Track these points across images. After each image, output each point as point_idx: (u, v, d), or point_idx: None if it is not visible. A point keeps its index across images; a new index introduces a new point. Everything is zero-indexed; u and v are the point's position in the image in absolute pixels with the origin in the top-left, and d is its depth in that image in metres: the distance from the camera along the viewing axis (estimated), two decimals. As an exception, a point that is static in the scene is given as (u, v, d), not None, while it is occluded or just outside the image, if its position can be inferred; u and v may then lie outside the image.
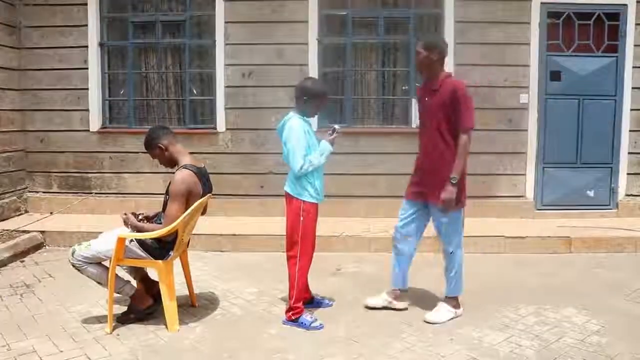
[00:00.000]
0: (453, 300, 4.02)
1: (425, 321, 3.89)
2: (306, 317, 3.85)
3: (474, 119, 3.75)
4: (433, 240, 5.78)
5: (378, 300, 4.14)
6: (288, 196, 3.85)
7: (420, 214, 4.08)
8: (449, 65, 6.57)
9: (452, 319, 3.94)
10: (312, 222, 3.86)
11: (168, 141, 3.81)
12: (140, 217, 3.95)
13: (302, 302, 3.92)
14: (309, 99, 3.79)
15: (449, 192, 3.70)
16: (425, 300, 4.33)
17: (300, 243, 3.80)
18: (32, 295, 4.49)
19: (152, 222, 3.92)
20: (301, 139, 3.69)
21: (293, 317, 3.84)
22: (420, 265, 5.39)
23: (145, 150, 3.91)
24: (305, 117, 3.85)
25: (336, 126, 3.92)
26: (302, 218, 3.78)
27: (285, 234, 3.88)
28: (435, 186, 3.80)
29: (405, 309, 4.12)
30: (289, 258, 3.87)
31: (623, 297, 4.46)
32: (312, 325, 3.80)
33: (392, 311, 4.13)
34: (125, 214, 3.83)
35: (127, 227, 3.79)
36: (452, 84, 3.74)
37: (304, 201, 3.79)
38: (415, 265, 5.39)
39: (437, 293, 4.55)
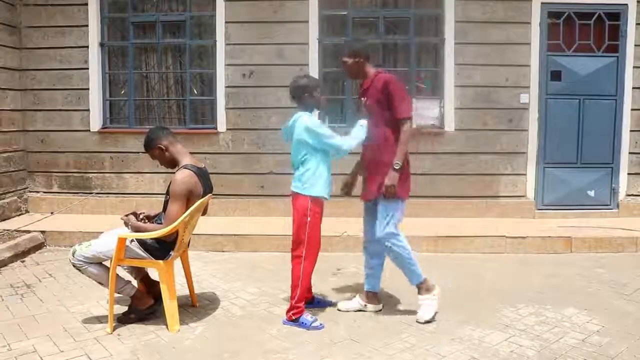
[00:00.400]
0: (423, 287, 3.95)
1: (417, 321, 3.87)
2: (307, 317, 3.85)
3: (410, 107, 3.88)
4: (429, 240, 5.83)
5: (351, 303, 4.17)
6: (295, 196, 3.84)
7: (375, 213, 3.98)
8: (449, 65, 6.64)
9: (434, 302, 3.92)
10: (319, 222, 3.86)
11: (168, 142, 3.81)
12: (141, 216, 3.95)
13: (304, 302, 3.92)
14: (309, 94, 3.84)
15: (392, 177, 3.73)
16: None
17: (306, 243, 3.80)
18: (33, 295, 4.49)
19: (152, 222, 3.93)
20: (322, 126, 3.82)
21: (294, 317, 3.84)
22: (420, 262, 5.39)
23: (145, 152, 3.91)
24: (311, 113, 3.90)
25: (361, 121, 3.96)
26: (309, 218, 3.78)
27: (291, 233, 3.88)
28: (375, 177, 3.85)
29: (379, 310, 4.13)
30: (293, 257, 3.86)
31: (624, 297, 4.46)
32: (313, 325, 3.80)
33: (392, 312, 4.13)
34: (127, 215, 3.83)
35: (128, 228, 3.79)
36: (382, 79, 3.84)
37: (312, 197, 3.78)
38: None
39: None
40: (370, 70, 3.97)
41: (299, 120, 3.78)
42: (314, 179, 3.79)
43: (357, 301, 4.14)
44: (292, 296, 3.87)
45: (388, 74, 3.95)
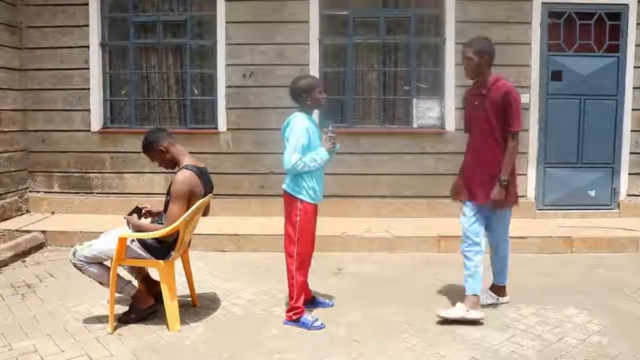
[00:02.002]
0: (469, 300, 3.92)
1: (438, 314, 3.87)
2: (307, 317, 3.86)
3: (521, 122, 3.91)
4: (430, 240, 5.83)
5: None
6: (286, 194, 3.86)
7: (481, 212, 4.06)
8: (449, 64, 6.63)
9: (463, 318, 3.83)
10: (310, 222, 3.86)
11: (168, 143, 3.82)
12: (144, 210, 3.96)
13: (303, 302, 3.92)
14: (307, 95, 3.80)
15: (497, 192, 3.82)
16: (424, 301, 4.33)
17: (297, 242, 3.81)
18: (34, 295, 4.50)
19: (155, 219, 3.93)
20: (301, 137, 3.68)
21: (294, 317, 3.85)
22: (419, 264, 5.40)
23: (145, 154, 3.91)
24: (311, 116, 3.86)
25: (330, 127, 3.87)
26: (298, 218, 3.78)
27: (283, 232, 3.89)
28: (484, 185, 3.92)
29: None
30: (286, 256, 3.88)
31: (624, 297, 4.46)
32: (314, 325, 3.80)
33: (392, 311, 4.13)
34: (129, 214, 3.83)
35: (129, 227, 3.79)
36: (504, 87, 3.85)
37: (301, 200, 3.79)
38: (414, 265, 5.41)
39: (438, 290, 4.56)
40: (490, 74, 3.97)
41: (292, 121, 3.78)
42: (305, 184, 3.79)
43: (487, 296, 4.22)
44: (290, 295, 3.88)
45: (509, 82, 3.96)
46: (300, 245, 3.81)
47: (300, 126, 3.71)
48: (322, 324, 3.83)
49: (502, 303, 4.23)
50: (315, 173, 3.81)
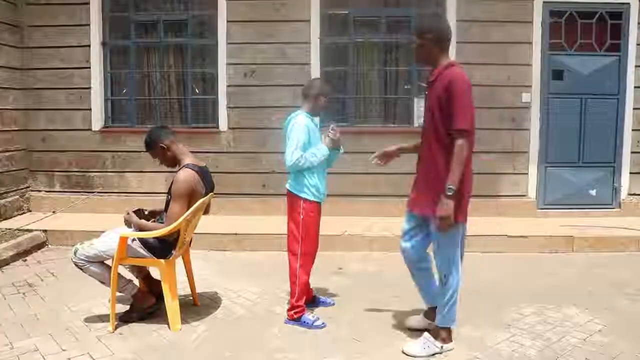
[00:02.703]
0: (443, 332, 3.44)
1: (403, 351, 3.41)
2: (308, 316, 3.86)
3: (471, 120, 3.14)
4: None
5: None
6: (289, 194, 3.87)
7: (422, 226, 3.53)
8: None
9: (434, 354, 3.36)
10: (313, 221, 3.86)
11: (170, 141, 3.82)
12: (146, 212, 3.96)
13: (305, 301, 3.92)
14: (318, 95, 3.84)
15: (445, 205, 3.10)
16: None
17: (300, 241, 3.81)
18: (35, 294, 4.50)
19: (156, 219, 3.93)
20: (302, 135, 3.71)
21: (295, 317, 3.85)
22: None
23: (146, 152, 3.91)
24: (312, 116, 3.87)
25: (332, 125, 3.89)
26: (301, 216, 3.79)
27: (286, 231, 3.90)
28: (429, 195, 3.28)
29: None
30: (290, 255, 3.88)
31: (625, 296, 4.45)
32: (315, 324, 3.80)
33: (393, 310, 4.13)
34: (128, 213, 3.83)
35: (130, 226, 3.79)
36: (449, 75, 3.14)
37: (304, 199, 3.79)
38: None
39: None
40: (443, 59, 3.25)
41: (294, 119, 3.80)
42: (307, 183, 3.79)
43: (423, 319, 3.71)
44: (291, 294, 3.88)
45: (459, 69, 3.19)
46: (304, 244, 3.82)
47: (301, 124, 3.74)
48: (323, 323, 3.83)
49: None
50: (317, 172, 3.81)
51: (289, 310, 3.91)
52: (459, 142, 3.09)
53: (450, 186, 3.08)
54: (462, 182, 3.15)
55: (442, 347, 3.42)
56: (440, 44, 3.26)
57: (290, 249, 3.87)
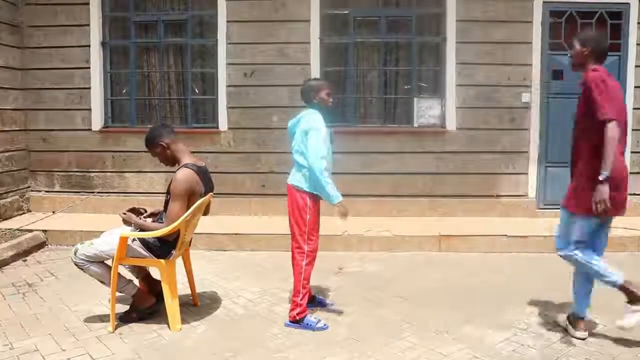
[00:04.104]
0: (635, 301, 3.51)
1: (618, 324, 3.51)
2: (311, 318, 3.84)
3: (613, 109, 3.30)
4: (431, 239, 5.83)
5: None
6: (294, 189, 3.81)
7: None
8: (450, 64, 6.63)
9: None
10: (317, 217, 3.85)
11: (170, 139, 3.81)
12: (143, 211, 3.96)
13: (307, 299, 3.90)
14: (316, 93, 3.83)
15: (599, 191, 3.28)
16: (425, 300, 4.34)
17: (307, 238, 3.78)
18: (35, 294, 4.50)
19: (156, 219, 3.93)
20: (322, 141, 3.68)
21: (297, 318, 3.82)
22: (420, 264, 5.40)
23: (146, 149, 3.91)
24: (322, 113, 3.86)
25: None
26: (308, 216, 3.77)
27: (290, 229, 3.87)
28: (574, 189, 3.63)
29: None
30: (295, 252, 3.83)
31: (625, 296, 4.44)
32: (318, 326, 3.78)
33: (393, 311, 4.13)
34: (125, 213, 3.83)
35: (130, 226, 3.79)
36: (586, 76, 3.44)
37: (311, 194, 3.76)
38: (415, 264, 5.41)
39: (439, 289, 4.56)
40: (590, 66, 3.50)
41: (309, 116, 3.77)
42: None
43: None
44: (295, 293, 3.84)
45: (598, 71, 3.43)
46: (310, 241, 3.80)
47: (320, 122, 3.73)
48: (325, 325, 3.81)
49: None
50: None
51: (291, 309, 3.86)
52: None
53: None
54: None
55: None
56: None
57: (297, 246, 3.83)
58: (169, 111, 7.14)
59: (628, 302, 3.52)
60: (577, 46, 3.56)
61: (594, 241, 3.65)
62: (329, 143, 3.84)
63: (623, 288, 3.53)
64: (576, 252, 3.58)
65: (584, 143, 3.52)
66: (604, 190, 3.28)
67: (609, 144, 3.25)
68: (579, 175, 3.60)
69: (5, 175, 6.59)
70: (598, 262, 3.56)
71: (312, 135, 3.69)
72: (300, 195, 3.79)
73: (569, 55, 3.75)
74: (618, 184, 3.42)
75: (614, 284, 3.55)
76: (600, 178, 3.27)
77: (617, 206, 3.47)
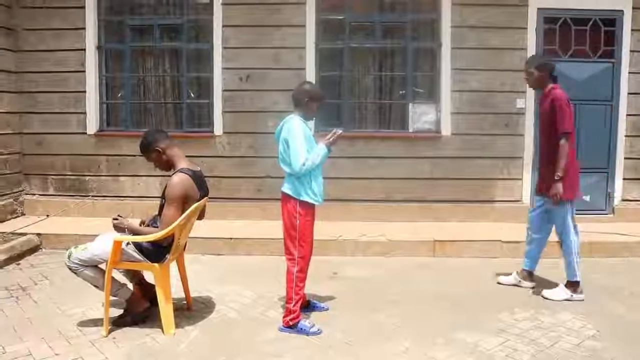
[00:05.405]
0: (571, 285, 4.53)
1: (542, 295, 4.55)
2: (305, 322, 3.84)
3: (571, 124, 4.42)
4: (425, 244, 5.84)
5: (509, 278, 4.90)
6: (285, 197, 3.85)
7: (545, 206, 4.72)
8: (445, 70, 6.66)
9: (566, 299, 4.47)
10: (309, 224, 3.86)
11: (165, 144, 3.81)
12: (140, 222, 3.96)
13: (300, 305, 3.91)
14: (309, 101, 3.83)
15: (554, 187, 4.39)
16: (419, 304, 4.34)
17: (297, 244, 3.80)
18: (28, 297, 4.48)
19: (150, 224, 3.92)
20: (300, 138, 3.71)
21: (291, 323, 3.82)
22: (415, 268, 5.41)
23: (142, 154, 3.91)
24: (305, 120, 3.87)
25: (339, 130, 3.89)
26: (298, 221, 3.78)
27: (282, 236, 3.89)
28: (549, 180, 4.48)
29: (533, 287, 4.77)
30: (287, 258, 3.86)
31: (618, 301, 4.48)
32: (312, 330, 3.79)
33: (388, 315, 4.13)
34: (116, 219, 3.82)
35: (121, 232, 3.78)
36: (553, 95, 4.50)
37: (301, 201, 3.78)
38: (409, 268, 5.42)
39: (433, 294, 4.57)
40: (549, 84, 4.63)
41: (289, 122, 3.79)
42: (305, 184, 3.79)
43: (514, 277, 4.88)
44: (287, 299, 3.86)
45: (561, 90, 4.54)
46: (301, 248, 3.81)
47: (297, 127, 3.74)
48: (319, 330, 3.82)
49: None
50: (313, 174, 3.81)
51: (284, 316, 3.87)
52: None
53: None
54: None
55: (572, 295, 4.51)
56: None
57: (288, 252, 3.86)
58: (164, 115, 7.14)
59: (565, 285, 4.58)
60: (535, 72, 4.63)
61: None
62: (313, 142, 3.84)
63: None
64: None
65: (547, 144, 4.56)
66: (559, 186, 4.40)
67: (563, 152, 4.36)
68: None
69: (-1, 178, 6.57)
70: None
71: (291, 142, 3.72)
72: (290, 202, 3.81)
73: (525, 77, 4.80)
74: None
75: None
76: (556, 177, 4.37)
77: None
